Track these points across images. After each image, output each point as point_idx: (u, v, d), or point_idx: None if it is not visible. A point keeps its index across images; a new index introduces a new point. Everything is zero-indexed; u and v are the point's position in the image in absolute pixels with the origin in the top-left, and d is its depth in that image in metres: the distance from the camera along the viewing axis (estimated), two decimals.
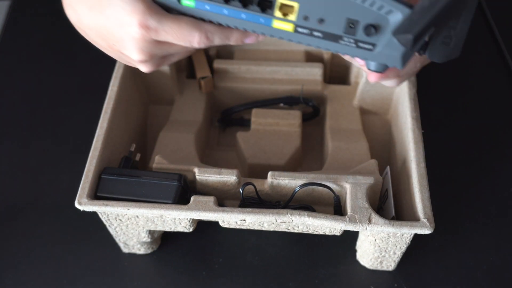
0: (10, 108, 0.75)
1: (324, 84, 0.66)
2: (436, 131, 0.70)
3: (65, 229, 0.62)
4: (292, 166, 0.62)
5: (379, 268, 0.58)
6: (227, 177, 0.53)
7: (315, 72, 0.66)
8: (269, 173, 0.53)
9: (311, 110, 0.66)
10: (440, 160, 0.67)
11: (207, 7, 0.41)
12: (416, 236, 0.52)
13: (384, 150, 0.64)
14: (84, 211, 0.52)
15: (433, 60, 0.40)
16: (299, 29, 0.40)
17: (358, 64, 0.48)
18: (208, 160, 0.64)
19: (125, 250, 0.60)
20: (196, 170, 0.54)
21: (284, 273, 0.59)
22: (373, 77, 0.48)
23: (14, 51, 0.83)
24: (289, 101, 0.66)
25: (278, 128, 0.64)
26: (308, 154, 0.65)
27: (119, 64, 0.62)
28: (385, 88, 0.63)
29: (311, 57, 0.69)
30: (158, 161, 0.56)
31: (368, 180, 0.52)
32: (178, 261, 0.60)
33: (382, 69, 0.41)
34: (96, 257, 0.60)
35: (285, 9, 0.40)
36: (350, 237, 0.59)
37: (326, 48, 0.40)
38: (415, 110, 0.58)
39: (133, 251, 0.60)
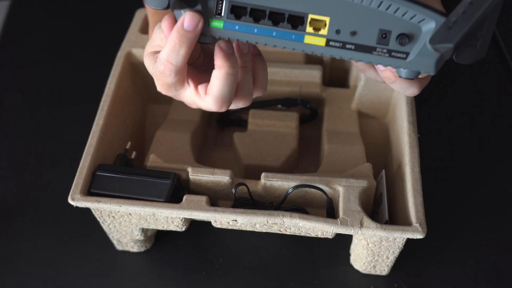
0: (10, 108, 0.76)
1: (323, 86, 0.66)
2: (434, 133, 0.70)
3: (62, 227, 0.63)
4: (288, 167, 0.62)
5: (372, 272, 0.58)
6: (220, 177, 0.53)
7: (314, 74, 0.65)
8: (262, 174, 0.53)
9: (309, 112, 0.66)
10: (440, 160, 0.67)
11: (237, 27, 0.40)
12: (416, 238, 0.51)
13: (381, 154, 0.64)
14: (80, 209, 0.52)
15: (460, 62, 0.40)
16: (331, 43, 0.40)
17: (381, 79, 0.47)
18: (205, 159, 0.64)
19: (118, 247, 0.60)
20: (189, 169, 0.54)
21: (284, 273, 0.59)
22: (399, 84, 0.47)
23: (14, 51, 0.83)
24: (287, 102, 0.65)
25: (275, 129, 0.63)
26: (305, 156, 0.65)
27: (117, 63, 0.62)
28: (383, 91, 0.63)
29: (311, 59, 0.69)
30: (152, 160, 0.57)
31: (361, 184, 0.52)
32: (178, 261, 0.60)
33: (414, 76, 0.41)
34: (92, 254, 0.60)
35: (317, 24, 0.39)
36: (351, 238, 0.59)
37: (359, 59, 0.40)
38: (412, 114, 0.57)
39: (126, 248, 0.60)
